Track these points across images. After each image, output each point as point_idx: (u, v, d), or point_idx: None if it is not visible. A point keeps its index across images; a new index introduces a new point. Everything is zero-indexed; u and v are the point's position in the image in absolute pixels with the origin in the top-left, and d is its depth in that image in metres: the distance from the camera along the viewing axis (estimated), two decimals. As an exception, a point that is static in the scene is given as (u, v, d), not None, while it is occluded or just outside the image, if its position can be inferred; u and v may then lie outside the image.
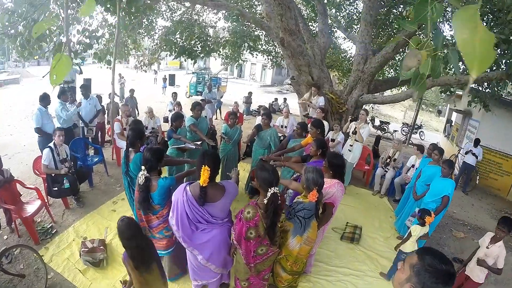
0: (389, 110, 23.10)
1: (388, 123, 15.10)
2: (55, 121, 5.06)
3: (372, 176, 5.93)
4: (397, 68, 10.03)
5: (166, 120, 7.04)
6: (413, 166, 5.17)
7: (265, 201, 2.02)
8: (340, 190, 2.59)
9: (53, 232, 3.65)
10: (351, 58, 11.09)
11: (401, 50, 7.25)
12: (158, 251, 2.68)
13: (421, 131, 15.14)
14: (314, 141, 3.14)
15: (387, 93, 11.74)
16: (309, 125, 4.35)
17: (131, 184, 2.89)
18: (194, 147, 3.91)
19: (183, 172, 2.82)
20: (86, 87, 5.53)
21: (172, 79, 19.08)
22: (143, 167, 2.38)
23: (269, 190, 2.01)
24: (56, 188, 3.82)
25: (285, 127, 6.44)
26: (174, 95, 8.27)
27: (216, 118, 11.43)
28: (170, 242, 2.61)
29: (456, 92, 7.92)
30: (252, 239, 2.08)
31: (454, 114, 11.42)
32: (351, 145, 5.40)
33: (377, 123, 14.90)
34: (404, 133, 15.34)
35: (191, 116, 4.43)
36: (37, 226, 3.72)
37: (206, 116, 7.39)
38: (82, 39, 3.70)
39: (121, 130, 5.15)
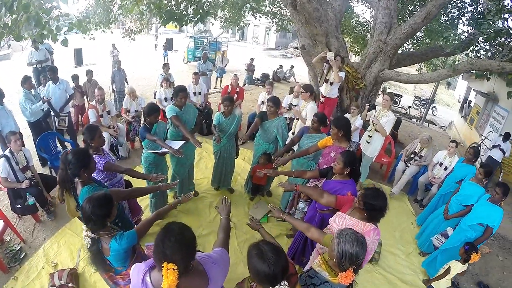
0: (398, 80, 21.52)
1: (401, 95, 14.04)
2: (20, 114, 4.23)
3: (392, 170, 5.23)
4: (415, 41, 8.73)
5: (155, 96, 6.11)
6: (440, 164, 4.45)
7: None
8: (376, 240, 1.89)
9: (22, 257, 3.07)
10: (365, 24, 9.79)
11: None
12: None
13: (434, 106, 14.17)
14: (341, 155, 2.32)
15: (405, 69, 10.37)
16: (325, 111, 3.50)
17: None
18: (171, 153, 2.97)
19: (150, 218, 1.97)
20: (54, 70, 4.51)
21: (169, 44, 17.53)
22: (84, 227, 1.68)
23: None
24: (19, 206, 3.19)
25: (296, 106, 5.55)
26: (165, 66, 7.10)
27: (215, 87, 10.42)
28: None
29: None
30: None
31: (473, 93, 10.32)
32: (370, 136, 4.59)
33: (388, 95, 13.85)
34: (416, 107, 14.41)
35: (173, 104, 3.39)
36: (5, 248, 3.15)
37: (200, 93, 6.39)
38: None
39: (97, 118, 4.41)
